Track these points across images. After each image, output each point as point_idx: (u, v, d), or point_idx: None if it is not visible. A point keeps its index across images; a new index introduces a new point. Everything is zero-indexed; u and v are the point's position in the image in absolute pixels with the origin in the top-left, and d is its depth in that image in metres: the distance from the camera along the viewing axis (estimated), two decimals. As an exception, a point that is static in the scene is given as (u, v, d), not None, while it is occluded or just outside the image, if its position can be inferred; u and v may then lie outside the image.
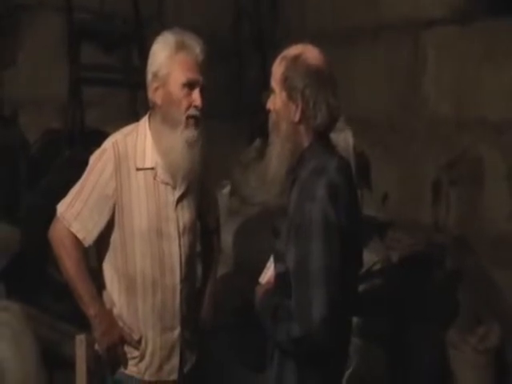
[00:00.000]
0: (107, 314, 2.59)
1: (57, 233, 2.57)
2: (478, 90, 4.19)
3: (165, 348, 2.61)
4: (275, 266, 2.32)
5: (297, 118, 2.19)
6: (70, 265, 2.55)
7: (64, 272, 2.57)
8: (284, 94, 2.20)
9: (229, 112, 5.32)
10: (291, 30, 5.48)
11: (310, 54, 2.21)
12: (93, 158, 2.58)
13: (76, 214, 2.53)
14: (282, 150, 2.22)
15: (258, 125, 4.74)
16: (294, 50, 2.23)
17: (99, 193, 2.53)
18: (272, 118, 2.26)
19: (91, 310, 2.55)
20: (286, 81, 2.20)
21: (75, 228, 2.54)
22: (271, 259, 2.41)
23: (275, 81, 2.23)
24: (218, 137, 4.55)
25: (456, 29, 4.32)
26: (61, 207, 2.57)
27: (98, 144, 2.62)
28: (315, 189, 2.11)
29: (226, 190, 4.42)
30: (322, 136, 2.24)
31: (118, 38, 5.07)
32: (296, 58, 2.20)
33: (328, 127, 2.24)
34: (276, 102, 2.23)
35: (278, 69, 2.23)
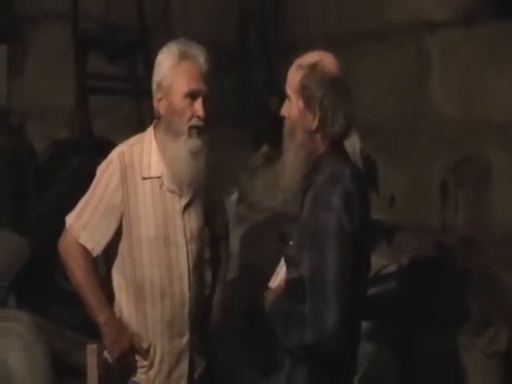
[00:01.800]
0: (117, 322, 2.59)
1: (66, 244, 2.59)
2: (483, 91, 4.20)
3: (173, 354, 2.61)
4: (287, 272, 2.31)
5: (314, 126, 2.18)
6: (79, 274, 2.56)
7: (74, 282, 2.59)
8: (301, 103, 2.19)
9: (235, 118, 5.34)
10: (296, 35, 5.49)
11: (328, 61, 2.19)
12: (100, 169, 2.59)
13: (84, 224, 2.55)
14: (297, 157, 2.21)
15: (264, 130, 4.75)
16: (311, 58, 2.21)
17: (106, 203, 2.54)
18: (287, 125, 2.24)
19: (101, 318, 2.56)
20: (303, 89, 2.18)
21: (83, 239, 2.55)
22: (281, 263, 2.41)
23: (291, 88, 2.21)
24: (223, 143, 4.59)
25: (461, 31, 4.33)
26: (69, 219, 2.60)
27: (105, 153, 2.63)
28: (330, 197, 2.10)
29: (234, 196, 4.42)
30: (336, 143, 2.23)
31: (124, 47, 5.07)
32: (314, 67, 2.18)
33: (344, 135, 2.24)
34: (292, 109, 2.22)
35: (294, 76, 2.21)
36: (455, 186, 4.26)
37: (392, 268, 3.61)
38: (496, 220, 4.04)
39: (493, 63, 4.15)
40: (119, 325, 2.59)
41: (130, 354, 2.58)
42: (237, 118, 5.36)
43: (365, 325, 3.15)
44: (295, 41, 5.30)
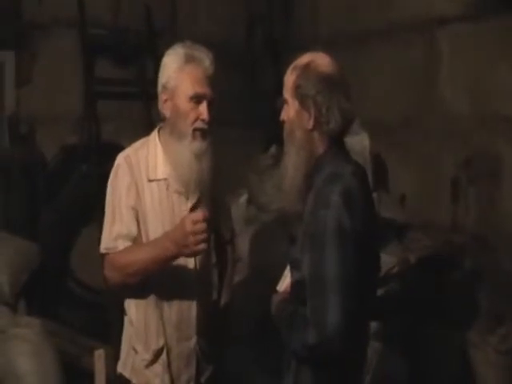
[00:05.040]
0: (165, 235, 2.47)
1: (108, 267, 2.54)
2: (493, 86, 4.17)
3: (181, 358, 2.62)
4: (291, 274, 2.31)
5: (310, 125, 2.20)
6: (128, 268, 2.50)
7: (133, 279, 2.52)
8: (297, 103, 2.21)
9: (244, 118, 5.33)
10: (304, 34, 5.48)
11: (320, 60, 2.22)
12: (110, 178, 2.60)
13: (117, 234, 2.52)
14: (298, 158, 2.22)
15: (273, 131, 4.74)
16: (304, 59, 2.24)
17: (126, 205, 2.54)
18: (286, 127, 2.26)
19: (162, 248, 2.45)
20: (297, 89, 2.21)
21: (122, 244, 2.51)
22: (288, 267, 2.41)
23: (287, 91, 2.24)
24: (233, 144, 4.59)
25: (469, 25, 4.30)
26: (102, 244, 2.57)
27: (114, 158, 2.64)
28: (330, 196, 2.10)
29: (243, 198, 4.42)
30: (336, 142, 2.24)
31: (133, 52, 5.09)
32: (306, 66, 2.21)
33: (342, 132, 2.24)
34: (289, 111, 2.24)
35: (289, 78, 2.24)
36: (466, 182, 4.23)
37: (403, 266, 3.60)
38: (508, 216, 4.00)
39: (503, 57, 4.12)
40: (167, 235, 2.46)
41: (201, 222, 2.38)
42: (246, 118, 5.35)
43: (374, 323, 3.16)
44: (303, 40, 5.28)
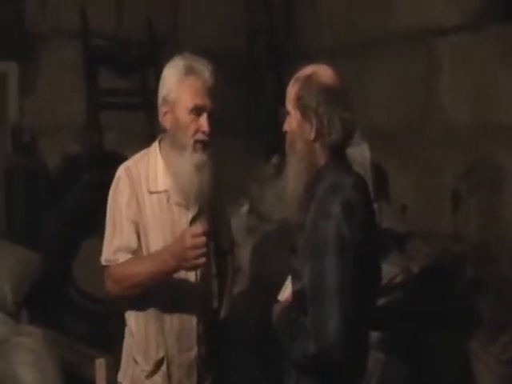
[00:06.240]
0: (166, 248, 2.49)
1: (109, 280, 2.55)
2: (494, 95, 4.18)
3: (182, 368, 2.62)
4: (292, 284, 2.33)
5: (312, 136, 2.22)
6: (134, 283, 2.51)
7: (135, 291, 2.53)
8: (298, 114, 2.24)
9: (246, 128, 5.35)
10: (306, 44, 5.49)
11: (322, 72, 2.24)
12: (110, 191, 2.61)
13: (117, 246, 2.54)
14: (299, 169, 2.24)
15: (275, 141, 4.76)
16: (306, 71, 2.27)
17: (126, 218, 2.55)
18: (288, 138, 2.29)
19: (163, 262, 2.46)
20: (299, 101, 2.23)
21: (123, 257, 2.53)
22: (289, 277, 2.42)
23: (289, 102, 2.27)
24: (235, 153, 4.61)
25: (469, 35, 4.32)
26: (102, 256, 2.58)
27: (116, 167, 2.65)
28: (330, 206, 2.12)
29: (245, 208, 4.43)
30: (337, 153, 2.26)
31: (135, 62, 5.11)
32: (308, 78, 2.23)
33: (343, 143, 2.26)
34: (291, 122, 2.26)
35: (291, 90, 2.27)
36: (467, 192, 4.23)
37: (404, 276, 3.60)
38: (509, 225, 4.00)
39: (503, 67, 4.13)
40: (167, 248, 2.48)
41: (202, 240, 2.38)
42: (248, 128, 5.37)
43: (376, 334, 3.16)
44: (305, 50, 5.30)
